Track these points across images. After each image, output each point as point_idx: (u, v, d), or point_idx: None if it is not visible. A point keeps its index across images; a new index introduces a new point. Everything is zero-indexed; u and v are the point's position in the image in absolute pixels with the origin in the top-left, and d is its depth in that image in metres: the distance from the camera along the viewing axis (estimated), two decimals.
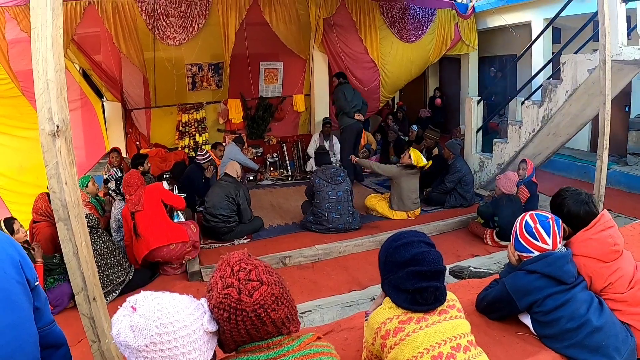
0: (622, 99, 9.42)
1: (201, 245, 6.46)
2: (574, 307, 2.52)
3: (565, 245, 2.81)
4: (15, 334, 1.56)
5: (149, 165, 7.84)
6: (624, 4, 5.87)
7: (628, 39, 6.27)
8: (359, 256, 6.40)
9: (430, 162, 7.80)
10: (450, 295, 2.16)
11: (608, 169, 5.82)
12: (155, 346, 1.40)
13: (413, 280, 2.02)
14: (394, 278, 2.08)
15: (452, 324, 2.07)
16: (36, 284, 1.73)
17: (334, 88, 9.94)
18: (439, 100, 13.40)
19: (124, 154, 9.29)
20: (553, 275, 2.56)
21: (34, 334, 1.67)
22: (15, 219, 5.16)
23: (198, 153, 8.38)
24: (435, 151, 8.87)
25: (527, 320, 2.71)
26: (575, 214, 2.90)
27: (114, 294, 5.32)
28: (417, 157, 7.51)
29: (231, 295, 1.54)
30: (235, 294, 1.54)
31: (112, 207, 6.40)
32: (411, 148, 7.89)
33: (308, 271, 6.06)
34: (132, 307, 1.43)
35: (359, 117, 9.62)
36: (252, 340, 1.63)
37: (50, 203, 5.43)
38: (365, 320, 2.23)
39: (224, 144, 9.92)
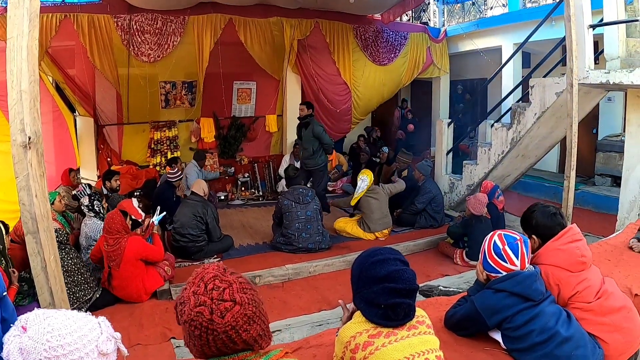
0: (590, 122, 9.67)
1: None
2: (543, 321, 2.57)
3: (533, 258, 2.87)
4: None
5: (118, 182, 7.75)
6: (591, 29, 6.05)
7: (595, 63, 6.44)
8: (329, 276, 6.41)
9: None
10: (420, 311, 2.18)
11: (576, 190, 5.95)
12: None
13: (387, 296, 2.04)
14: (367, 292, 2.09)
15: (420, 339, 2.09)
16: (4, 294, 1.71)
17: (302, 117, 8.65)
18: (411, 126, 13.50)
19: (95, 171, 9.16)
20: (521, 293, 2.60)
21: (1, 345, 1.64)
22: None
23: (169, 171, 8.31)
24: (405, 172, 8.95)
25: (497, 335, 2.74)
26: (544, 224, 2.98)
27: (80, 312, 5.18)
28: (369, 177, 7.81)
29: (203, 314, 1.53)
30: (208, 313, 1.53)
31: (83, 224, 6.25)
32: (364, 170, 8.17)
33: (278, 291, 6.03)
34: (22, 327, 1.39)
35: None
36: (221, 354, 1.62)
37: None
38: (337, 335, 2.24)
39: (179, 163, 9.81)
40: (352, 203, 7.94)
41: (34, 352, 1.35)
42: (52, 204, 6.23)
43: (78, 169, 8.56)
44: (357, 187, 7.80)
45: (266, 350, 1.72)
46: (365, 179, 7.73)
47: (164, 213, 6.76)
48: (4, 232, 4.82)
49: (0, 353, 1.40)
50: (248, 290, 1.62)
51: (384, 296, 2.04)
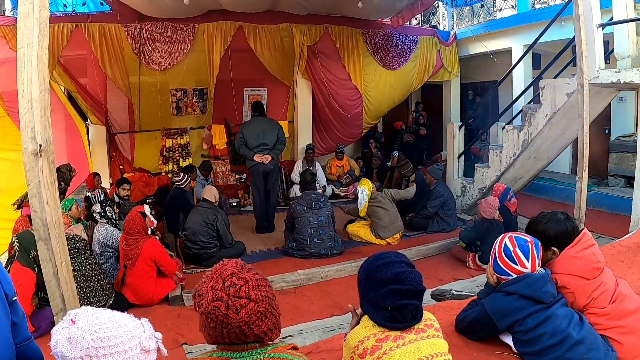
0: (602, 122, 9.59)
1: (184, 271, 6.43)
2: (555, 324, 2.55)
3: (547, 266, 2.84)
4: None
5: (126, 192, 7.81)
6: (601, 29, 6.02)
7: (606, 63, 6.40)
8: (341, 281, 6.39)
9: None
10: (428, 315, 2.18)
11: (589, 191, 5.89)
12: (90, 359, 1.43)
13: (393, 298, 2.04)
14: (374, 296, 2.10)
15: (429, 342, 2.08)
16: (14, 298, 1.73)
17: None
18: (423, 131, 13.47)
19: (107, 178, 9.24)
20: (532, 296, 2.59)
21: (11, 349, 1.66)
22: None
23: (176, 178, 8.36)
24: (412, 178, 8.92)
25: (508, 339, 2.73)
26: (563, 232, 2.90)
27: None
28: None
29: (219, 308, 1.65)
30: (224, 308, 1.64)
31: (95, 230, 6.30)
32: (361, 180, 8.16)
33: (290, 296, 6.03)
34: (71, 319, 1.46)
35: (259, 158, 8.02)
36: (232, 344, 1.74)
37: (31, 225, 5.42)
38: (344, 340, 2.24)
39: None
40: (362, 214, 7.91)
41: (82, 342, 1.42)
42: (70, 210, 6.31)
43: (99, 175, 8.66)
44: (359, 200, 7.74)
45: (273, 342, 1.84)
46: (363, 189, 7.68)
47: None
48: (36, 238, 4.89)
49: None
50: (263, 287, 1.74)
51: (391, 298, 2.05)
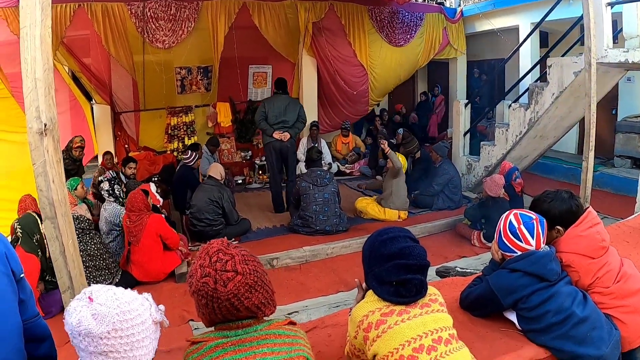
0: (609, 102, 9.51)
1: (190, 248, 6.48)
2: (559, 301, 2.55)
3: (552, 244, 2.83)
4: (0, 325, 1.56)
5: (132, 170, 7.83)
6: (610, 7, 5.95)
7: (614, 42, 6.35)
8: (347, 258, 6.42)
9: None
10: (432, 289, 2.20)
11: (595, 171, 5.87)
12: (117, 332, 1.46)
13: (398, 273, 2.07)
14: (378, 270, 2.12)
15: (433, 317, 2.10)
16: (21, 276, 1.74)
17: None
18: (415, 116, 13.32)
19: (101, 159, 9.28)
20: (537, 273, 2.58)
21: (19, 326, 1.67)
22: None
23: (183, 156, 8.40)
24: (418, 155, 8.90)
25: (512, 316, 2.74)
26: (568, 211, 2.88)
27: None
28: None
29: (208, 284, 1.69)
30: (212, 283, 1.68)
31: (102, 209, 6.33)
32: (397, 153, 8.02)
33: (295, 273, 6.07)
34: (88, 297, 1.47)
35: (278, 135, 8.03)
36: (226, 320, 1.79)
37: (36, 203, 5.45)
38: (349, 315, 2.26)
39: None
40: (403, 161, 7.82)
41: (108, 317, 1.45)
42: (75, 189, 6.35)
43: (111, 153, 8.72)
44: (395, 159, 7.67)
45: (270, 318, 1.88)
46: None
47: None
48: (39, 222, 4.93)
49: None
50: (250, 262, 1.77)
51: (395, 273, 2.07)
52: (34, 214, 5.03)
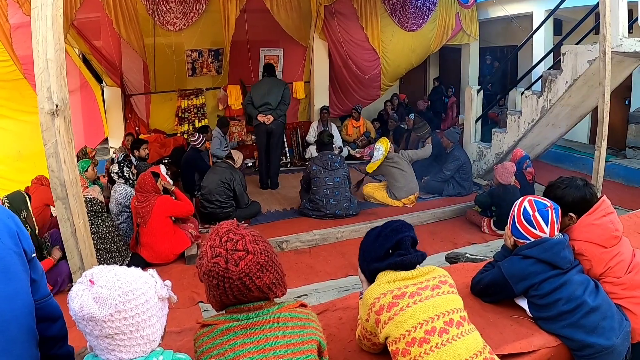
0: (623, 93, 9.43)
1: (200, 230, 6.49)
2: (571, 290, 2.52)
3: (565, 232, 2.81)
4: (12, 305, 1.55)
5: (147, 151, 7.83)
6: None
7: (629, 32, 6.27)
8: (356, 242, 6.32)
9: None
10: (441, 271, 2.23)
11: (607, 162, 5.82)
12: (120, 314, 1.44)
13: (388, 240, 2.21)
14: (374, 253, 2.26)
15: (444, 299, 2.11)
16: (33, 255, 1.74)
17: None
18: (421, 103, 13.18)
19: (123, 140, 9.30)
20: (549, 260, 2.56)
21: (30, 305, 1.67)
22: None
23: (191, 139, 8.42)
24: (429, 141, 8.86)
25: (523, 303, 2.72)
26: (582, 198, 2.85)
27: None
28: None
29: (219, 264, 1.68)
30: (223, 263, 1.68)
31: (113, 190, 6.36)
32: (380, 139, 8.22)
33: (305, 256, 6.09)
34: (89, 280, 1.46)
35: (261, 118, 8.37)
36: (238, 303, 1.78)
37: (45, 181, 5.49)
38: (360, 298, 2.27)
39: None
40: (369, 170, 7.97)
41: (109, 299, 1.43)
42: (86, 171, 6.38)
43: (132, 134, 8.76)
44: (374, 157, 7.81)
45: (281, 300, 1.87)
46: (380, 147, 7.74)
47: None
48: (27, 200, 4.95)
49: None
50: (260, 242, 1.77)
51: (386, 242, 2.20)
52: (24, 193, 5.07)
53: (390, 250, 2.18)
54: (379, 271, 2.21)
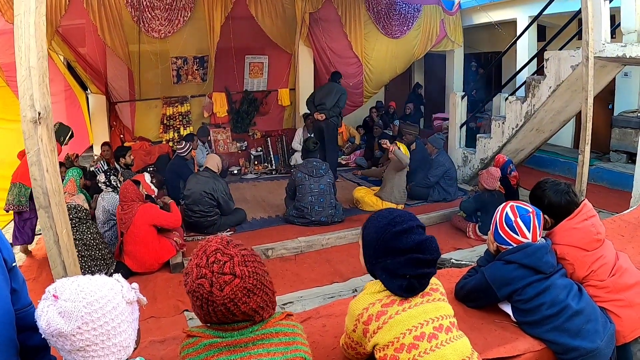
0: (606, 97, 9.55)
1: (185, 238, 6.45)
2: (554, 294, 2.54)
3: (547, 236, 2.83)
4: None
5: (132, 158, 7.80)
6: (608, 1, 5.94)
7: (612, 37, 6.34)
8: (342, 249, 6.43)
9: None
10: (433, 279, 2.15)
11: (591, 165, 5.87)
12: (88, 326, 1.42)
13: (414, 267, 2.00)
14: (391, 263, 2.04)
15: (434, 305, 2.07)
16: (14, 264, 1.72)
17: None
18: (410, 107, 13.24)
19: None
20: (532, 265, 2.57)
21: (10, 315, 1.65)
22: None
23: (178, 147, 8.37)
24: (413, 146, 8.87)
25: (507, 308, 2.73)
26: (557, 204, 2.89)
27: None
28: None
29: (203, 286, 1.59)
30: (208, 286, 1.59)
31: (100, 198, 6.33)
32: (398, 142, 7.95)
33: (290, 263, 6.08)
34: (53, 295, 1.43)
35: (317, 115, 9.29)
36: (221, 323, 1.70)
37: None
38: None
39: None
40: (405, 152, 7.76)
41: (75, 311, 1.40)
42: (81, 178, 6.39)
43: (108, 143, 8.69)
44: (401, 155, 7.57)
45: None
46: (400, 147, 7.68)
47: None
48: (36, 207, 4.93)
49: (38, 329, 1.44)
50: (250, 263, 1.66)
51: (411, 267, 2.00)
52: None
53: (408, 276, 2.03)
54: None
